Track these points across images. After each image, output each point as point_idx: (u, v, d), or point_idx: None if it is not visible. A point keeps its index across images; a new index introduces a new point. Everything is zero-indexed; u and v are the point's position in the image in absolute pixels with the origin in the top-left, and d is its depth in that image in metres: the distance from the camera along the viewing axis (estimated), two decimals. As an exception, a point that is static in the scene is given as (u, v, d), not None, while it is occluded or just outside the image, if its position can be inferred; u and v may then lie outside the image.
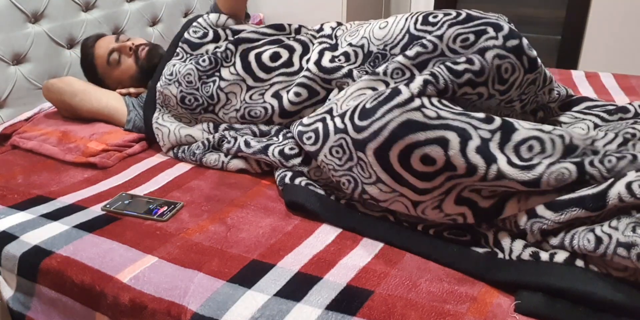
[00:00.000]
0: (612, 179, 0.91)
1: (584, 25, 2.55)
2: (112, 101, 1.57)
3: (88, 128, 1.54)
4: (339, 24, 1.47)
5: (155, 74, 1.51)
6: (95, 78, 1.65)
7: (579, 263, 0.90)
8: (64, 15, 1.78)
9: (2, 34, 1.61)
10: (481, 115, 1.00)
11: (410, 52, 1.14)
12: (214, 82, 1.40)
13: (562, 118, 1.32)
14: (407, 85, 1.03)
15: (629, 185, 0.87)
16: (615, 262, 0.87)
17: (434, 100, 1.03)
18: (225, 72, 1.40)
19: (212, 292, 0.93)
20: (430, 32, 1.15)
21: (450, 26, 1.12)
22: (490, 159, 0.95)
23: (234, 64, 1.40)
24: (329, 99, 1.29)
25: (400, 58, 1.15)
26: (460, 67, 1.07)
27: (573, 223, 0.93)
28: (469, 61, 1.07)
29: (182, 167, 1.40)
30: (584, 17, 2.54)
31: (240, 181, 1.32)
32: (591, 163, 0.95)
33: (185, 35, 1.51)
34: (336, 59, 1.31)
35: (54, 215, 1.18)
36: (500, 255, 0.97)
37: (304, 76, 1.32)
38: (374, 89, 1.16)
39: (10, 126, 1.60)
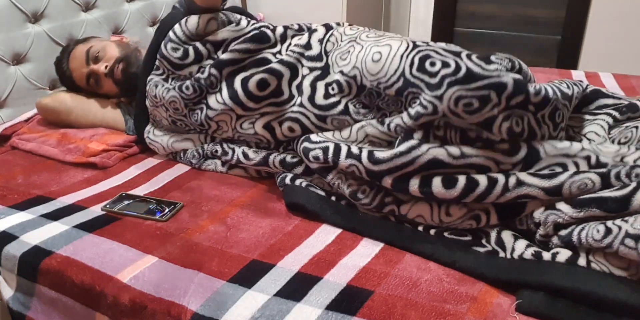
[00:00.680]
0: (636, 184, 0.91)
1: (584, 25, 2.55)
2: (108, 113, 1.57)
3: (88, 129, 1.54)
4: (328, 29, 1.31)
5: (138, 86, 1.43)
6: (82, 92, 1.61)
7: (581, 263, 0.91)
8: (64, 15, 1.78)
9: (2, 34, 1.61)
10: (505, 146, 1.01)
11: (412, 112, 1.06)
12: (201, 109, 1.31)
13: (575, 121, 1.28)
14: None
15: None
16: (619, 257, 0.88)
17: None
18: (212, 101, 1.29)
19: (212, 292, 0.93)
20: (427, 84, 1.05)
21: (449, 85, 1.00)
22: (509, 175, 0.99)
23: (220, 91, 1.28)
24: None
25: (405, 118, 1.08)
26: (472, 134, 1.05)
27: (587, 219, 0.94)
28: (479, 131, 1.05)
29: (182, 167, 1.40)
30: (584, 17, 2.54)
31: (240, 181, 1.32)
32: (617, 176, 0.95)
33: (164, 50, 1.36)
34: (330, 89, 1.21)
35: (54, 215, 1.18)
36: (502, 253, 0.98)
37: (298, 112, 1.22)
38: (381, 139, 1.14)
39: (10, 127, 1.60)
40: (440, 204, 1.03)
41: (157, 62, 1.38)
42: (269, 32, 1.32)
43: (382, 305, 0.88)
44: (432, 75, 1.05)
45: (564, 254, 0.93)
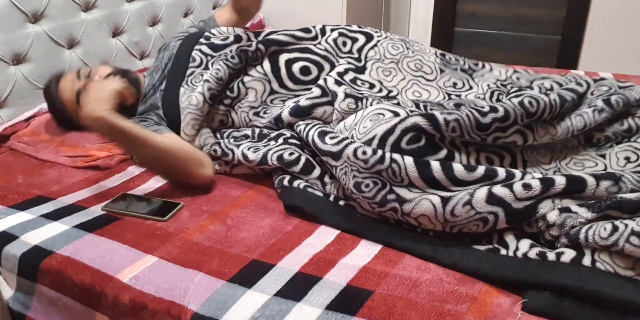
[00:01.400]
0: None
1: (584, 25, 2.55)
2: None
3: (90, 136, 1.52)
4: (369, 39, 1.48)
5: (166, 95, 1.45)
6: (71, 124, 1.51)
7: (586, 262, 0.91)
8: (64, 15, 1.78)
9: (2, 34, 1.61)
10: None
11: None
12: (237, 77, 1.41)
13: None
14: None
15: None
16: (624, 256, 0.88)
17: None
18: (251, 70, 1.42)
19: (212, 292, 0.92)
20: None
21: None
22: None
23: (261, 64, 1.42)
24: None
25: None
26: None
27: (600, 219, 0.95)
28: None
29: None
30: (584, 17, 2.53)
31: (240, 181, 1.32)
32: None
33: (204, 40, 1.50)
34: (359, 82, 1.38)
35: (54, 215, 1.18)
36: (503, 251, 0.98)
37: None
38: (391, 111, 1.17)
39: (10, 127, 1.59)
40: (445, 202, 1.00)
41: (193, 54, 1.47)
42: (310, 27, 1.50)
43: (382, 305, 0.88)
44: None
45: (568, 254, 0.93)
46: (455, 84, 1.44)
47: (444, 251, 1.00)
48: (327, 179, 1.20)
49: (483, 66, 1.52)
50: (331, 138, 1.14)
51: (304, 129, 1.26)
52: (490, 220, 0.99)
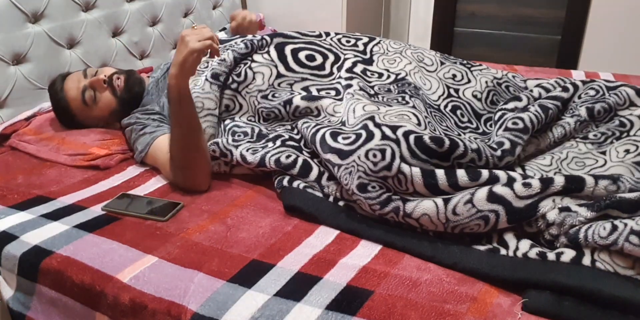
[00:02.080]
0: None
1: (584, 25, 2.55)
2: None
3: (90, 134, 1.53)
4: (371, 38, 1.57)
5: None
6: (73, 122, 1.55)
7: (586, 262, 0.91)
8: (64, 15, 1.78)
9: (2, 34, 1.61)
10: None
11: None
12: (245, 63, 1.45)
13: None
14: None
15: None
16: (623, 255, 0.88)
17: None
18: (258, 57, 1.46)
19: (212, 292, 0.93)
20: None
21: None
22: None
23: (268, 52, 1.47)
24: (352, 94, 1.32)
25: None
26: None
27: (599, 218, 0.95)
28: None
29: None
30: (584, 17, 2.54)
31: (240, 181, 1.32)
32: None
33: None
34: (369, 73, 1.44)
35: (54, 215, 1.18)
36: (503, 251, 0.98)
37: (347, 92, 1.35)
38: (414, 115, 1.20)
39: (10, 126, 1.59)
40: (446, 202, 1.01)
41: None
42: (316, 31, 1.58)
43: (382, 305, 0.88)
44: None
45: (568, 254, 0.93)
46: (454, 76, 1.49)
47: (444, 251, 1.00)
48: (324, 181, 1.19)
49: (480, 65, 1.58)
50: (344, 138, 1.14)
51: (312, 126, 1.25)
52: (491, 219, 0.99)
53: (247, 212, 1.18)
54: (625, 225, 0.89)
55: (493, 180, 1.04)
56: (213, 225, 1.13)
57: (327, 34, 1.56)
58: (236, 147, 1.29)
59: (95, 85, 1.49)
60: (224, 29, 2.39)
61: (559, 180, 1.00)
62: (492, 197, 0.99)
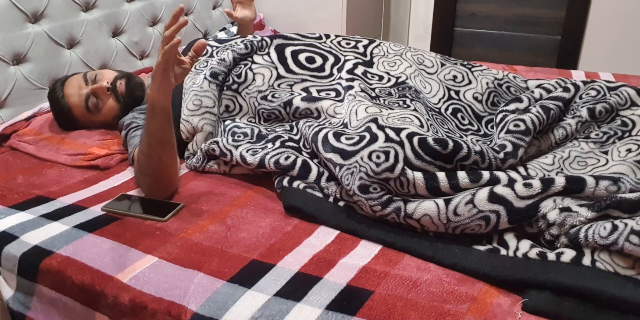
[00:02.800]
0: None
1: (584, 25, 2.55)
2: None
3: (90, 134, 1.53)
4: (371, 40, 1.57)
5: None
6: (74, 127, 1.56)
7: (586, 262, 0.91)
8: (64, 15, 1.78)
9: (2, 34, 1.61)
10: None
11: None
12: (245, 64, 1.46)
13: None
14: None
15: None
16: (623, 255, 0.89)
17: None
18: (258, 58, 1.47)
19: (212, 292, 0.93)
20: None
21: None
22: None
23: (268, 54, 1.48)
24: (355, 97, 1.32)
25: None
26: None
27: (600, 218, 0.96)
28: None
29: (182, 168, 1.40)
30: (584, 17, 2.54)
31: (240, 181, 1.32)
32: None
33: (212, 38, 1.61)
34: (369, 75, 1.44)
35: (54, 216, 1.18)
36: (503, 251, 0.98)
37: (349, 94, 1.34)
38: (416, 117, 1.20)
39: (10, 126, 1.59)
40: (447, 202, 1.01)
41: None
42: (316, 33, 1.60)
43: (382, 305, 0.88)
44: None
45: (568, 254, 0.93)
46: (455, 77, 1.48)
47: (444, 251, 1.00)
48: (324, 182, 1.19)
49: (480, 65, 1.57)
50: (347, 139, 1.14)
51: (314, 126, 1.25)
52: (492, 219, 0.99)
53: (247, 212, 1.18)
54: (626, 225, 0.89)
55: (494, 181, 1.04)
56: (213, 225, 1.13)
57: (327, 36, 1.56)
58: (236, 147, 1.29)
59: (99, 93, 1.49)
60: (224, 29, 2.40)
61: (560, 181, 1.00)
62: (493, 198, 0.99)
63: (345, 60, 1.48)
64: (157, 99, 1.13)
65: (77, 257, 1.04)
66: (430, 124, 1.21)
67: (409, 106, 1.28)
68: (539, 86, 1.42)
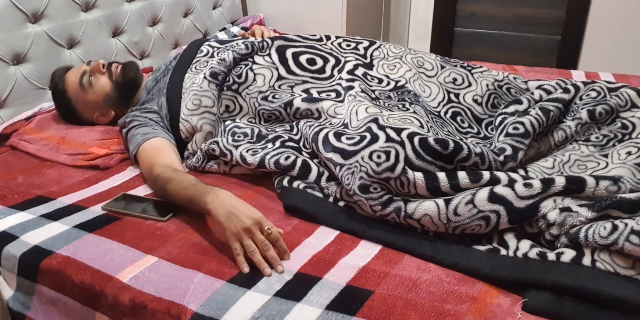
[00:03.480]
0: None
1: (584, 25, 2.55)
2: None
3: (90, 133, 1.53)
4: (372, 43, 1.57)
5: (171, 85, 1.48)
6: (69, 109, 1.56)
7: (586, 262, 0.91)
8: (64, 15, 1.78)
9: (2, 34, 1.61)
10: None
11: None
12: (245, 64, 1.46)
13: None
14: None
15: None
16: (623, 255, 0.89)
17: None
18: (259, 58, 1.48)
19: (212, 292, 0.93)
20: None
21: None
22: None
23: (269, 55, 1.48)
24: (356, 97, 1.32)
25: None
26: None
27: (600, 218, 0.96)
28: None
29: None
30: (584, 17, 2.53)
31: (240, 181, 1.32)
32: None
33: (213, 39, 1.60)
34: (368, 77, 1.44)
35: (54, 215, 1.18)
36: (503, 251, 0.98)
37: (349, 94, 1.35)
38: (416, 119, 1.21)
39: (10, 126, 1.59)
40: (447, 202, 1.01)
41: (201, 48, 1.57)
42: (316, 34, 1.60)
43: (382, 305, 0.88)
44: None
45: (568, 254, 0.93)
46: (455, 80, 1.48)
47: (444, 251, 1.00)
48: (323, 182, 1.19)
49: (480, 67, 1.57)
50: (348, 139, 1.14)
51: (315, 126, 1.25)
52: (492, 219, 0.99)
53: (247, 212, 1.17)
54: (626, 225, 0.89)
55: (494, 181, 1.04)
56: (213, 225, 1.13)
57: (328, 38, 1.56)
58: (236, 147, 1.29)
59: (94, 70, 1.54)
60: (224, 29, 2.40)
61: (560, 181, 1.00)
62: (493, 198, 0.99)
63: (346, 62, 1.48)
64: (210, 208, 1.04)
65: (77, 257, 1.04)
66: (430, 126, 1.21)
67: (408, 109, 1.28)
68: (539, 87, 1.42)
